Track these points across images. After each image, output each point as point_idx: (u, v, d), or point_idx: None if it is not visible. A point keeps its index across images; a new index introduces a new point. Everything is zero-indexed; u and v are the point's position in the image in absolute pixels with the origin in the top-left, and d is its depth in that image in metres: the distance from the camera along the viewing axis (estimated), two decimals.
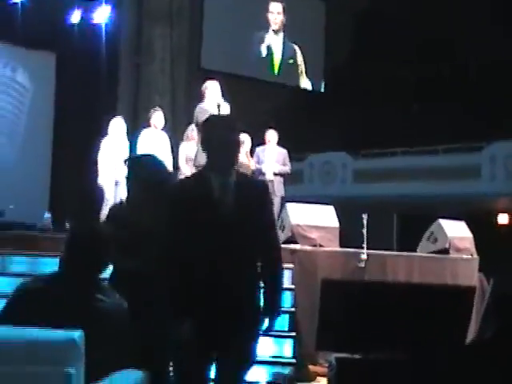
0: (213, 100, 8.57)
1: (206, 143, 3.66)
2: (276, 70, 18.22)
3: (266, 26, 18.08)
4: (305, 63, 18.80)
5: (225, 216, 3.48)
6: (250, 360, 3.75)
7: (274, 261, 3.73)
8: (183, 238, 3.44)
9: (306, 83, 19.01)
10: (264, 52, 17.97)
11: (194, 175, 4.20)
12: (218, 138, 3.57)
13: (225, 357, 3.56)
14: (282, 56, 18.28)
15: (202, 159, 8.56)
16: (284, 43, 18.31)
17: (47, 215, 10.77)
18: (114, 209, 4.52)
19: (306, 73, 18.89)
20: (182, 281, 3.42)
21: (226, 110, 8.64)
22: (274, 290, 3.80)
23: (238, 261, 3.48)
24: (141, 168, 4.21)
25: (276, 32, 18.22)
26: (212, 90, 8.66)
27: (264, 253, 3.66)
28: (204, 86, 8.82)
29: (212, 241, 3.43)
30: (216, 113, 8.44)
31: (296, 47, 18.60)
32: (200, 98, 8.76)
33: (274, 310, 3.86)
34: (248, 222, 3.49)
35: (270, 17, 18.15)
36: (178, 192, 3.74)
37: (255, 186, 3.83)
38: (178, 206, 3.56)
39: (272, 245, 3.73)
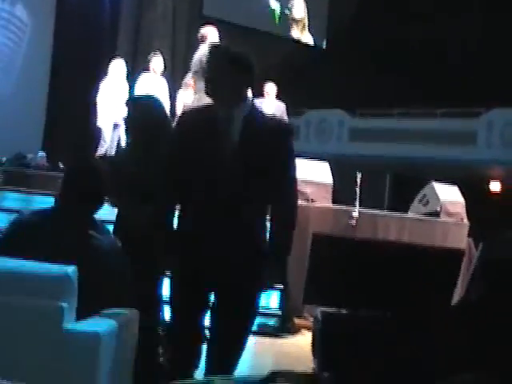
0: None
1: (211, 72, 3.41)
2: (277, 22, 18.02)
3: None
4: (308, 18, 18.59)
5: (228, 150, 3.22)
6: (254, 307, 3.44)
7: (287, 208, 3.54)
8: (184, 171, 3.22)
9: (308, 38, 18.83)
10: (269, 4, 17.74)
11: (198, 106, 4.02)
12: (223, 66, 3.32)
13: (225, 300, 3.31)
14: (282, 8, 18.02)
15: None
16: None
17: (42, 154, 10.74)
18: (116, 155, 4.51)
19: (308, 27, 18.69)
20: (181, 214, 3.28)
21: None
22: (285, 226, 3.56)
23: (241, 200, 3.23)
24: (140, 109, 4.17)
25: None
26: (211, 38, 8.57)
27: (276, 200, 3.46)
28: (203, 31, 8.70)
29: (214, 174, 3.19)
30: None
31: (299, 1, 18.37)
32: (199, 43, 8.66)
33: (282, 250, 3.57)
34: (256, 162, 3.21)
35: None
36: (179, 122, 3.53)
37: (273, 124, 3.49)
38: (179, 137, 3.36)
39: (285, 192, 3.49)
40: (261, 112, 3.53)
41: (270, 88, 10.47)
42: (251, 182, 3.25)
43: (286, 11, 18.10)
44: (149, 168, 3.80)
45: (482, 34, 17.72)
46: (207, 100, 3.52)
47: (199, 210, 3.23)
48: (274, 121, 3.66)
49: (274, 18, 17.91)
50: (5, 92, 12.82)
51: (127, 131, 4.33)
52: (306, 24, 18.59)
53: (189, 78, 9.70)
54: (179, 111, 9.64)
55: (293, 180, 3.59)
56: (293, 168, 3.57)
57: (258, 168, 3.22)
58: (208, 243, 3.20)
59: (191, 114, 3.69)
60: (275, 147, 3.32)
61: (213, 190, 3.20)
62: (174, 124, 3.91)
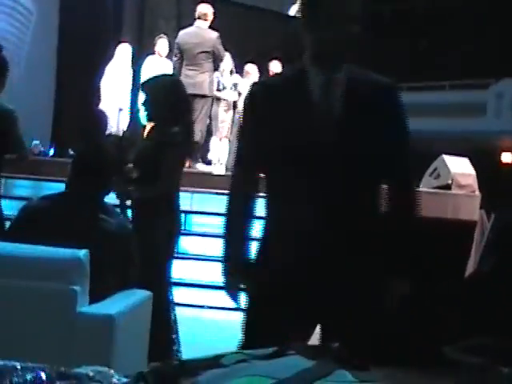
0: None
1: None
2: None
3: None
4: None
5: (328, 128, 2.38)
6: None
7: (410, 198, 2.65)
8: (262, 159, 2.46)
9: None
10: None
11: (282, 72, 3.33)
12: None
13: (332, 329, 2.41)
14: None
15: (201, 88, 8.63)
16: None
17: (36, 142, 10.75)
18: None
19: None
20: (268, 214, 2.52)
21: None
22: (412, 217, 2.64)
23: (348, 194, 2.37)
24: (158, 90, 4.14)
25: None
26: (210, 18, 8.65)
27: (393, 187, 2.56)
28: (205, 9, 8.73)
29: (308, 164, 2.35)
30: (219, 41, 8.46)
31: None
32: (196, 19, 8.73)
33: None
34: (365, 139, 2.38)
35: None
36: (255, 94, 2.56)
37: (379, 86, 2.65)
38: (256, 114, 2.49)
39: (407, 173, 2.62)
40: (360, 70, 2.69)
41: (275, 66, 10.44)
42: (364, 171, 2.40)
43: None
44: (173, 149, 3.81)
45: (489, 4, 17.56)
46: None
47: (293, 210, 2.40)
48: (380, 79, 2.74)
49: None
50: (12, 80, 12.82)
51: (148, 114, 4.26)
52: None
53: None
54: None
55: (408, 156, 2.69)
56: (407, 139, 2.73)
57: (370, 147, 2.40)
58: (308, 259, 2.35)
59: (271, 84, 2.77)
60: (389, 114, 2.59)
61: (311, 183, 2.36)
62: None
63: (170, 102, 4.01)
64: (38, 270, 2.80)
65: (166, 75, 5.66)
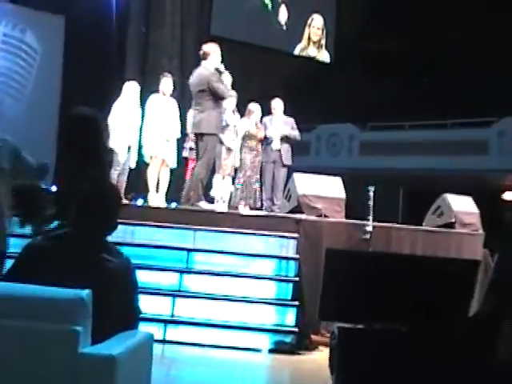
0: (215, 65, 8.60)
1: None
2: (285, 37, 18.05)
3: None
4: (326, 36, 18.63)
5: None
6: None
7: None
8: None
9: (325, 55, 18.83)
10: (276, 25, 17.78)
11: None
12: None
13: None
14: (290, 23, 18.03)
15: (212, 127, 8.65)
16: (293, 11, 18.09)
17: None
18: None
19: (325, 43, 18.72)
20: None
21: (227, 76, 8.69)
22: None
23: None
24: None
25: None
26: (216, 55, 8.66)
27: None
28: (209, 47, 8.76)
29: None
30: (214, 78, 8.47)
31: (315, 15, 18.42)
32: (201, 59, 8.77)
33: None
34: None
35: None
36: None
37: None
38: None
39: None
40: None
41: (277, 104, 10.50)
42: None
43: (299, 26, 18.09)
44: None
45: (491, 43, 17.71)
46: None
47: None
48: None
49: (282, 33, 17.93)
50: (17, 118, 12.92)
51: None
52: (324, 41, 18.63)
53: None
54: (190, 130, 9.69)
55: None
56: None
57: None
58: None
59: None
60: None
61: None
62: None
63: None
64: (41, 310, 2.79)
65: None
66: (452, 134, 16.93)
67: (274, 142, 10.24)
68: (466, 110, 16.23)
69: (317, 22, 18.49)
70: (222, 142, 9.52)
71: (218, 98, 8.53)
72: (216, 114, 8.57)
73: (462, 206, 9.88)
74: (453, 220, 9.56)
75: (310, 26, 18.37)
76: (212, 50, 8.69)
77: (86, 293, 2.82)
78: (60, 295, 2.81)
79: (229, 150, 9.77)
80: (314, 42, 18.50)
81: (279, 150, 10.28)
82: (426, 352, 4.16)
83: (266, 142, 10.26)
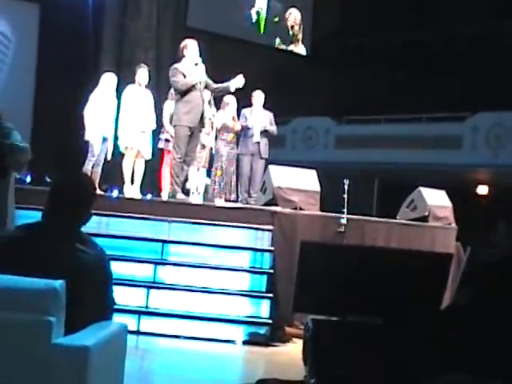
0: (189, 60, 8.61)
1: None
2: (262, 30, 18.05)
3: None
4: (303, 30, 18.66)
5: None
6: None
7: None
8: None
9: (301, 49, 18.86)
10: (254, 16, 17.80)
11: None
12: None
13: None
14: (267, 16, 18.07)
15: (180, 118, 8.65)
16: (269, 3, 18.09)
17: None
18: None
19: (302, 38, 18.74)
20: None
21: (202, 69, 8.67)
22: None
23: None
24: None
25: None
26: (190, 50, 8.68)
27: None
28: (182, 43, 8.83)
29: None
30: (193, 73, 8.48)
31: (291, 9, 18.44)
32: (179, 56, 8.78)
33: None
34: None
35: None
36: None
37: None
38: None
39: None
40: None
41: (258, 96, 10.50)
42: None
43: (276, 19, 18.12)
44: None
45: (467, 40, 17.85)
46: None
47: None
48: None
49: (259, 27, 17.94)
50: None
51: None
52: (301, 36, 18.66)
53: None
54: (165, 122, 9.67)
55: None
56: None
57: None
58: None
59: None
60: None
61: None
62: None
63: None
64: (13, 300, 2.77)
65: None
66: (426, 129, 17.04)
67: (254, 135, 10.24)
68: (440, 105, 16.35)
69: (293, 16, 18.51)
70: None
71: (177, 92, 8.61)
72: (180, 107, 8.60)
73: (436, 199, 9.96)
74: (426, 214, 9.63)
75: (287, 20, 18.39)
76: (183, 46, 8.75)
77: (59, 283, 2.80)
78: (33, 286, 2.80)
79: (203, 145, 9.76)
80: (291, 34, 18.53)
81: (258, 143, 10.30)
82: (399, 344, 4.19)
83: (244, 133, 10.25)
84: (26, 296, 2.77)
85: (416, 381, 3.02)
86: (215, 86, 8.83)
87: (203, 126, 8.91)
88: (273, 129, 10.42)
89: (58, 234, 3.10)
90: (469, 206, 14.18)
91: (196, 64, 8.64)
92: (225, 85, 8.80)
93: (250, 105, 10.50)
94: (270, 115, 10.46)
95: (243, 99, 10.45)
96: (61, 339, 2.80)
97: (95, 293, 3.07)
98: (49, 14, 13.57)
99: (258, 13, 17.82)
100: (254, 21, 17.78)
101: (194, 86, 8.55)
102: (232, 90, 8.84)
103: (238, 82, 8.71)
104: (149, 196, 9.49)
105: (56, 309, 2.77)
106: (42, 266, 2.93)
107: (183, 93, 8.57)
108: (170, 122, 9.23)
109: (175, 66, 8.69)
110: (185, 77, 8.54)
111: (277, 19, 18.22)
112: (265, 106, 10.53)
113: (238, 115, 10.30)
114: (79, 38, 13.51)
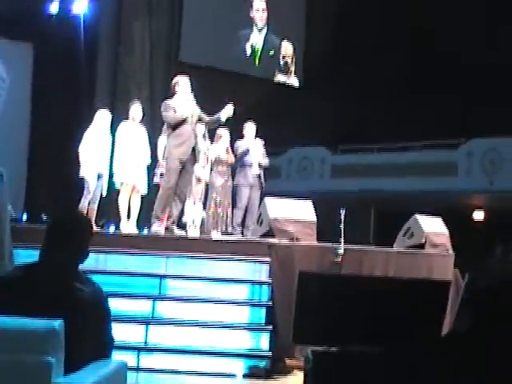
0: (181, 96, 8.69)
1: None
2: (257, 63, 18.22)
3: (247, 22, 18.05)
4: (295, 60, 18.84)
5: None
6: None
7: None
8: None
9: (293, 80, 19.02)
10: (248, 50, 17.98)
11: None
12: None
13: None
14: (263, 49, 18.27)
15: (171, 152, 8.69)
16: (266, 37, 18.31)
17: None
18: None
19: (294, 70, 18.93)
20: None
21: (193, 105, 8.73)
22: None
23: None
24: None
25: (260, 29, 18.25)
26: (182, 86, 8.76)
27: None
28: (174, 80, 8.92)
29: None
30: (183, 108, 8.56)
31: (283, 42, 18.64)
32: (171, 92, 8.87)
33: None
34: None
35: (256, 14, 18.14)
36: None
37: None
38: None
39: None
40: None
41: (251, 127, 10.56)
42: None
43: (271, 53, 18.30)
44: None
45: (461, 64, 17.99)
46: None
47: None
48: None
49: (254, 59, 18.09)
50: None
51: None
52: (293, 67, 18.83)
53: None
54: (160, 157, 9.71)
55: None
56: None
57: None
58: None
59: None
60: None
61: None
62: None
63: None
64: (12, 341, 2.77)
65: None
66: (421, 156, 17.12)
67: (253, 168, 10.30)
68: (434, 133, 16.43)
69: (286, 48, 18.69)
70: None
71: (168, 126, 8.72)
72: (171, 140, 8.66)
73: (432, 226, 9.96)
74: (423, 241, 9.62)
75: (279, 52, 18.58)
76: (175, 83, 8.84)
77: (57, 323, 2.80)
78: (32, 326, 2.79)
79: (199, 179, 9.80)
80: (283, 67, 18.69)
81: (258, 175, 10.36)
82: (401, 373, 4.18)
83: (242, 163, 10.28)
84: (25, 337, 2.77)
85: None
86: (208, 118, 8.89)
87: (196, 160, 8.94)
88: (266, 162, 10.48)
89: (55, 273, 3.11)
90: (465, 231, 14.19)
91: (188, 99, 8.72)
92: (216, 116, 8.85)
93: (242, 136, 10.55)
94: (262, 148, 10.52)
95: (236, 131, 10.52)
96: (61, 379, 2.79)
97: (94, 331, 3.06)
98: (42, 52, 13.68)
99: (252, 46, 17.99)
100: (248, 54, 17.93)
101: (184, 120, 8.63)
102: (223, 120, 8.87)
103: (228, 111, 8.75)
104: (146, 231, 9.49)
105: (55, 349, 2.77)
106: (40, 305, 2.93)
107: (174, 127, 8.64)
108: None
109: (166, 101, 8.79)
110: (175, 111, 8.61)
111: (272, 52, 18.38)
112: (258, 137, 10.57)
113: (232, 147, 10.35)
114: (73, 75, 13.60)
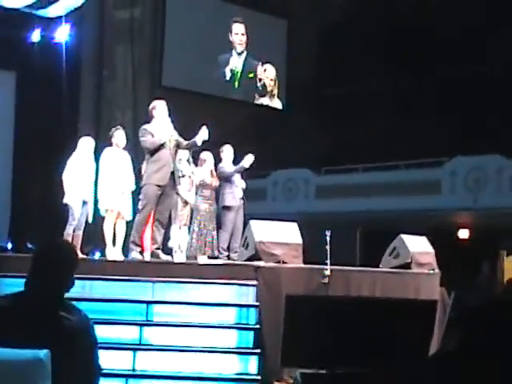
0: (158, 121, 8.74)
1: None
2: (237, 86, 18.28)
3: (227, 46, 18.13)
4: (278, 85, 18.94)
5: None
6: None
7: None
8: None
9: (276, 103, 19.11)
10: (228, 74, 18.05)
11: None
12: None
13: None
14: (242, 72, 18.35)
15: (149, 177, 8.69)
16: (246, 61, 18.40)
17: None
18: None
19: (277, 92, 19.02)
20: None
21: (170, 129, 8.76)
22: None
23: None
24: None
25: (240, 53, 18.34)
26: (159, 110, 8.82)
27: None
28: (151, 105, 8.97)
29: None
30: (161, 132, 8.59)
31: (264, 66, 18.73)
32: (149, 117, 8.92)
33: None
34: None
35: (235, 38, 18.23)
36: None
37: None
38: None
39: None
40: None
41: (227, 150, 10.59)
42: None
43: (251, 75, 18.36)
44: None
45: (441, 85, 18.13)
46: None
47: None
48: None
49: (233, 84, 18.16)
50: None
51: None
52: (276, 91, 18.92)
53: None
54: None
55: None
56: None
57: None
58: None
59: None
60: None
61: None
62: None
63: None
64: None
65: None
66: (405, 175, 17.20)
67: (238, 191, 10.36)
68: (418, 151, 16.52)
69: (269, 72, 18.79)
70: (178, 193, 9.53)
71: (147, 151, 8.78)
72: (150, 166, 8.68)
73: (418, 246, 10.00)
74: (409, 260, 9.66)
75: (261, 75, 18.66)
76: (152, 108, 8.91)
77: (44, 353, 2.79)
78: (18, 356, 2.77)
79: (185, 202, 9.80)
80: (266, 92, 18.78)
81: (242, 198, 10.44)
82: None
83: (228, 186, 10.30)
84: (11, 367, 2.75)
85: None
86: (185, 143, 8.93)
87: (175, 184, 8.95)
88: (244, 185, 10.59)
89: (41, 303, 3.09)
90: (451, 250, 14.22)
91: (165, 124, 8.77)
92: (192, 141, 8.87)
93: (220, 160, 10.58)
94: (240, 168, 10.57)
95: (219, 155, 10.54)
96: None
97: (81, 359, 3.04)
98: (25, 80, 13.68)
99: (232, 70, 18.07)
100: (227, 78, 18.00)
101: (162, 145, 8.66)
102: (199, 143, 8.89)
103: (203, 134, 8.78)
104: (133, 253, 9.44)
105: (42, 379, 2.75)
106: (26, 335, 2.91)
107: (152, 152, 8.68)
108: None
109: (144, 126, 8.84)
110: (153, 136, 8.65)
111: (252, 75, 18.46)
112: (239, 161, 10.58)
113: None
114: (56, 102, 13.59)
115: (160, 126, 8.73)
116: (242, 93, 18.40)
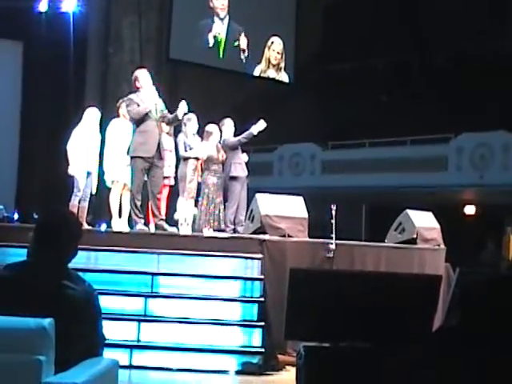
0: (143, 90, 8.70)
1: None
2: (244, 60, 18.04)
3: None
4: (285, 58, 18.72)
5: None
6: None
7: None
8: None
9: (283, 76, 18.91)
10: (211, 41, 17.53)
11: None
12: None
13: None
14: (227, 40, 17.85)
15: (135, 149, 8.63)
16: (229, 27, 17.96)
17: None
18: None
19: (284, 65, 18.79)
20: None
21: (155, 97, 8.72)
22: None
23: None
24: None
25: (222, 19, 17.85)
26: (142, 80, 8.79)
27: None
28: (134, 75, 8.92)
29: None
30: (147, 101, 8.55)
31: (273, 38, 18.49)
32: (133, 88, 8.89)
33: None
34: None
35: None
36: None
37: None
38: None
39: None
40: None
41: (228, 124, 10.50)
42: None
43: (235, 43, 17.88)
44: None
45: (449, 60, 18.02)
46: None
47: None
48: None
49: (240, 56, 17.94)
50: None
51: None
52: (283, 64, 18.70)
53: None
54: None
55: None
56: None
57: None
58: None
59: None
60: None
61: None
62: None
63: None
64: (2, 340, 2.76)
65: None
66: (411, 151, 17.15)
67: (244, 163, 10.31)
68: (424, 127, 16.46)
69: (276, 45, 18.58)
70: (186, 160, 9.52)
71: (133, 121, 8.75)
72: (136, 138, 8.64)
73: (424, 221, 9.98)
74: (415, 236, 9.65)
75: (269, 48, 18.44)
76: (134, 78, 8.87)
77: (47, 322, 2.79)
78: (21, 325, 2.79)
79: (193, 171, 9.73)
80: (273, 65, 18.57)
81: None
82: (392, 368, 4.19)
83: (236, 158, 10.20)
84: (15, 336, 2.76)
85: None
86: (169, 116, 8.86)
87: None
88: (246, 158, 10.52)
89: (44, 272, 3.10)
90: (457, 226, 14.22)
91: (149, 92, 8.75)
92: (173, 115, 8.83)
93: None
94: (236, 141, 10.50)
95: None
96: (51, 378, 2.79)
97: (84, 329, 3.06)
98: (32, 50, 13.64)
99: (215, 37, 17.52)
100: (210, 45, 17.39)
101: (148, 115, 8.61)
102: (180, 117, 8.86)
103: (182, 108, 8.75)
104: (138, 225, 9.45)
105: (45, 347, 2.76)
106: (30, 304, 2.92)
107: (138, 122, 8.63)
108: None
109: (129, 96, 8.81)
110: (139, 105, 8.62)
111: (236, 43, 17.93)
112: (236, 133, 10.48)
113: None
114: (63, 73, 13.56)
115: (145, 94, 8.70)
116: (249, 66, 18.22)
